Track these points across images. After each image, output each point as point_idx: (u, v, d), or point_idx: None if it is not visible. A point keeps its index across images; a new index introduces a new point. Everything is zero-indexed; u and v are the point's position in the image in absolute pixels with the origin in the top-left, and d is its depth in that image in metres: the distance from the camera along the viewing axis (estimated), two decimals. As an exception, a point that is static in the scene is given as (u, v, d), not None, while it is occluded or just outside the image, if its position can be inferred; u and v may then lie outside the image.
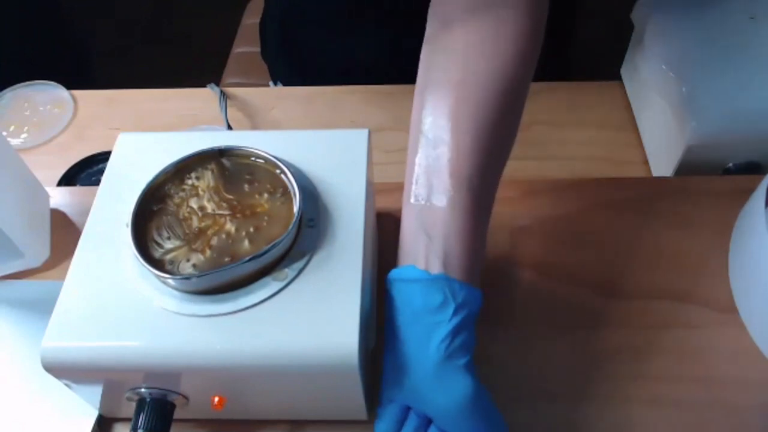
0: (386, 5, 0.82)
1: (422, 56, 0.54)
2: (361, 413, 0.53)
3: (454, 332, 0.46)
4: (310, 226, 0.51)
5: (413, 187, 0.50)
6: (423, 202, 0.50)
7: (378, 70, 0.83)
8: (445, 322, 0.46)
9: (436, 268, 0.47)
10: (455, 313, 0.46)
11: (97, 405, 0.54)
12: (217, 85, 0.84)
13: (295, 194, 0.51)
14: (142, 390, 0.48)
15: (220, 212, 0.51)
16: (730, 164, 0.72)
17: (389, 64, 0.89)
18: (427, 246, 0.48)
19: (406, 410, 0.48)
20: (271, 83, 1.05)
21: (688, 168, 0.71)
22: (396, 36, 0.86)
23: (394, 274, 0.50)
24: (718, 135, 0.69)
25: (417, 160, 0.51)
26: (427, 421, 0.47)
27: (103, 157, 0.78)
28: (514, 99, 0.52)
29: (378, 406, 0.50)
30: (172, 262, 0.48)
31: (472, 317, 0.47)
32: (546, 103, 0.83)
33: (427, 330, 0.46)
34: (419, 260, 0.48)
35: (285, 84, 0.97)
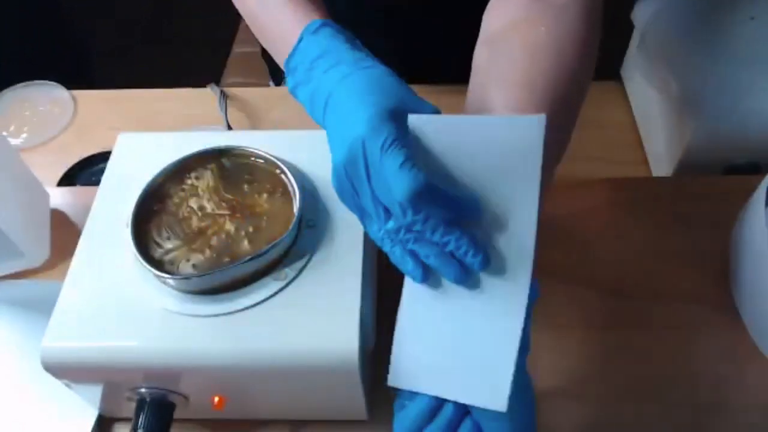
0: (389, 8, 0.82)
1: (480, 56, 0.54)
2: (361, 413, 0.53)
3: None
4: (310, 226, 0.51)
5: None
6: None
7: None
8: None
9: None
10: None
11: (97, 405, 0.54)
12: (217, 85, 0.84)
13: (295, 194, 0.51)
14: (142, 390, 0.48)
15: (220, 212, 0.51)
16: (730, 164, 0.72)
17: (391, 65, 0.89)
18: None
19: (442, 399, 0.44)
20: (271, 83, 1.05)
21: (688, 168, 0.71)
22: (399, 38, 0.86)
23: None
24: (718, 135, 0.69)
25: None
26: (463, 413, 0.43)
27: (103, 157, 0.78)
28: (577, 98, 0.52)
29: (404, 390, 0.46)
30: (172, 262, 0.48)
31: (531, 309, 0.44)
32: (546, 103, 0.83)
33: None
34: None
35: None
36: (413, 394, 0.45)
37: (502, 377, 0.41)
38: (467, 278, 0.43)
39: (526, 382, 0.44)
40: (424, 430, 0.43)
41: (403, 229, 0.42)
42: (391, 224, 0.43)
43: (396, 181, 0.40)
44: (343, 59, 0.47)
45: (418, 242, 0.42)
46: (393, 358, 0.44)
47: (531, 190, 0.41)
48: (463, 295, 0.43)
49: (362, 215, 0.45)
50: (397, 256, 0.43)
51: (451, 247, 0.42)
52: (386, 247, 0.44)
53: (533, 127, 0.41)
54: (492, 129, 0.43)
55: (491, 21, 0.54)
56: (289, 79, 0.51)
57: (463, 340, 0.43)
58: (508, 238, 0.42)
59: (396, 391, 0.46)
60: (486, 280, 0.43)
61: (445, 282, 0.44)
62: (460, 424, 0.43)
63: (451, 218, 0.42)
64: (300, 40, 0.49)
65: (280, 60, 0.52)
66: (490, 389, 0.41)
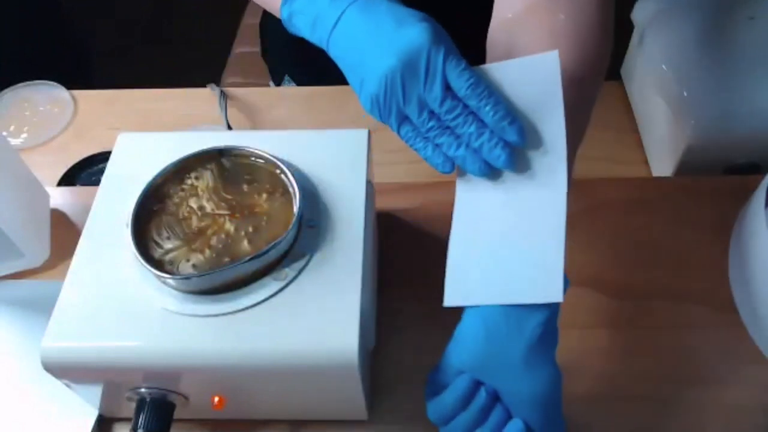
0: None
1: (497, 39, 0.54)
2: (361, 413, 0.53)
3: (551, 318, 0.45)
4: (310, 226, 0.51)
5: None
6: None
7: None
8: (544, 306, 0.45)
9: None
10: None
11: (97, 405, 0.54)
12: (217, 85, 0.84)
13: (295, 194, 0.51)
14: (142, 390, 0.48)
15: (220, 212, 0.51)
16: (730, 164, 0.72)
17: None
18: None
19: (476, 385, 0.46)
20: (271, 83, 1.05)
21: (688, 168, 0.71)
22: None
23: None
24: (718, 135, 0.69)
25: None
26: (495, 399, 0.46)
27: (103, 157, 0.78)
28: (595, 85, 0.53)
29: (436, 372, 0.48)
30: (171, 262, 0.48)
31: (559, 305, 0.46)
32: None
33: (524, 311, 0.45)
34: None
35: (291, 77, 0.97)
36: (449, 374, 0.47)
37: (553, 271, 0.44)
38: (490, 171, 0.47)
39: (556, 375, 0.45)
40: (458, 416, 0.46)
41: (436, 127, 0.47)
42: (432, 123, 0.47)
43: (459, 80, 0.45)
44: None
45: (450, 136, 0.47)
46: (447, 280, 0.47)
47: (557, 112, 0.47)
48: (507, 209, 0.47)
49: (400, 120, 0.48)
50: (428, 152, 0.48)
51: (482, 140, 0.46)
52: (419, 145, 0.48)
53: (549, 62, 0.47)
54: (514, 70, 0.48)
55: (506, 5, 0.55)
56: (285, 8, 0.51)
57: (512, 247, 0.46)
58: (542, 154, 0.47)
59: (428, 377, 0.48)
60: (526, 191, 0.47)
61: (489, 200, 0.48)
62: (492, 409, 0.46)
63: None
64: None
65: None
66: (543, 284, 0.44)
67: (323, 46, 0.50)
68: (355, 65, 0.48)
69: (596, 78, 0.53)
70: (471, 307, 0.46)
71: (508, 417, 0.46)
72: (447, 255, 0.48)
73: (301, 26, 0.51)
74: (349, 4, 0.48)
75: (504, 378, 0.45)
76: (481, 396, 0.45)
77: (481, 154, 0.47)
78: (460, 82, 0.46)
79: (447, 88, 0.46)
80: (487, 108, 0.46)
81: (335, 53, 0.49)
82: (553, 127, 0.47)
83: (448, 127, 0.47)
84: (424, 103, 0.47)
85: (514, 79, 0.48)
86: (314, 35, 0.50)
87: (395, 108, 0.47)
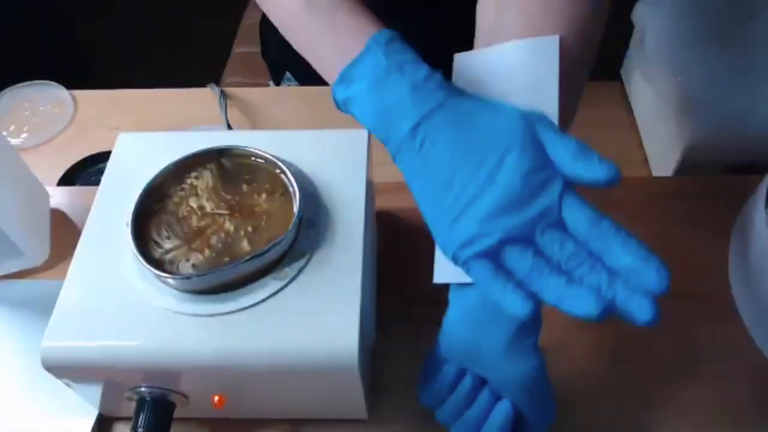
0: (387, 5, 0.82)
1: (485, 14, 0.53)
2: (361, 413, 0.53)
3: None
4: (310, 226, 0.51)
5: None
6: None
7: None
8: None
9: None
10: None
11: (97, 405, 0.54)
12: (217, 85, 0.84)
13: (294, 194, 0.51)
14: (142, 389, 0.48)
15: (219, 212, 0.51)
16: (730, 164, 0.72)
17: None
18: None
19: (461, 372, 0.48)
20: (271, 83, 1.05)
21: (688, 168, 0.71)
22: (398, 32, 0.86)
23: None
24: (718, 135, 0.69)
25: None
26: (480, 382, 0.47)
27: (103, 157, 0.78)
28: (589, 57, 0.52)
29: (430, 357, 0.49)
30: (171, 261, 0.48)
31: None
32: (546, 103, 0.83)
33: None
34: None
35: (292, 74, 0.97)
36: (436, 363, 0.48)
37: None
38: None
39: (539, 362, 0.46)
40: (447, 399, 0.48)
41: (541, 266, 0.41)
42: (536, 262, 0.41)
43: (577, 217, 0.44)
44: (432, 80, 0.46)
45: (559, 276, 0.41)
46: (437, 257, 0.46)
47: (551, 103, 0.46)
48: None
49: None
50: (508, 292, 0.41)
51: (615, 289, 0.43)
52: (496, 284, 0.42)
53: (548, 47, 0.46)
54: (511, 53, 0.47)
55: None
56: (341, 89, 0.49)
57: None
58: None
59: (424, 361, 0.50)
60: None
61: None
62: (479, 392, 0.47)
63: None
64: (368, 49, 0.47)
65: (330, 68, 0.50)
66: None
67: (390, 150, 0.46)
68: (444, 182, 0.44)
69: (590, 51, 0.52)
70: (455, 293, 0.47)
71: (497, 398, 0.47)
72: None
73: (362, 112, 0.48)
74: (433, 108, 0.44)
75: (486, 368, 0.46)
76: (467, 382, 0.47)
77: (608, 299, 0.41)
78: (578, 219, 0.42)
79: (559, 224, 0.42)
80: (616, 249, 0.42)
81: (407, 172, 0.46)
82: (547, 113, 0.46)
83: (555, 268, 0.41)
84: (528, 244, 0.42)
85: (510, 62, 0.47)
86: (387, 128, 0.46)
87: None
